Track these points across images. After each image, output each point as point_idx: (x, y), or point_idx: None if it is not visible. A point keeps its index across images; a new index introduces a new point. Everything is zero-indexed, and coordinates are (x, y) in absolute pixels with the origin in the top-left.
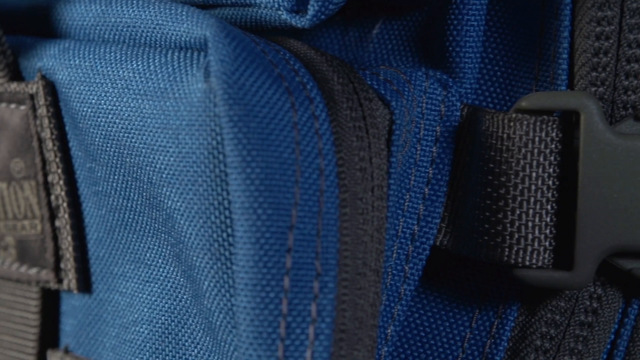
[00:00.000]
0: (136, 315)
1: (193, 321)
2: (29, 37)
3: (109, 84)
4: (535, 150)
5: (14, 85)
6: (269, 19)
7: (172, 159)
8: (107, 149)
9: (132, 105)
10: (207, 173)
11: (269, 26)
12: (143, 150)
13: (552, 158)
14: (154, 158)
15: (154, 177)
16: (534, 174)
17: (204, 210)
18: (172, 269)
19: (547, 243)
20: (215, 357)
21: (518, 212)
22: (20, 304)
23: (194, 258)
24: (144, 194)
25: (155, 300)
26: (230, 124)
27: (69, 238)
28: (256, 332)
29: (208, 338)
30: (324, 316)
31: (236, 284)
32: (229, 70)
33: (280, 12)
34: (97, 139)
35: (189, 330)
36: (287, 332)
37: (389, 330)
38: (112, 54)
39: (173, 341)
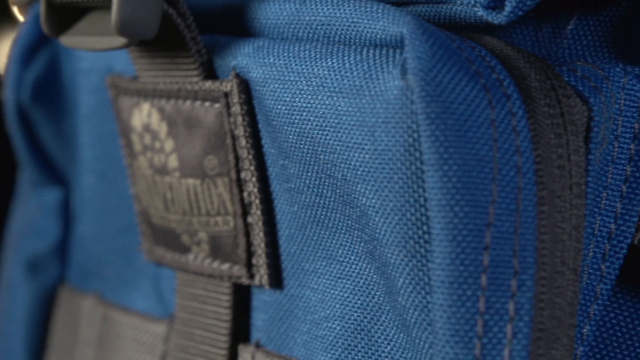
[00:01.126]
0: (328, 312)
1: (386, 318)
2: (223, 36)
3: (304, 82)
4: None
5: (208, 84)
6: (463, 15)
7: (367, 156)
8: (301, 146)
9: (327, 102)
10: (403, 170)
11: (462, 23)
12: (338, 147)
13: None
14: (348, 155)
15: (349, 175)
16: None
17: (400, 208)
18: (364, 265)
19: None
20: (409, 354)
21: None
22: (212, 299)
23: (389, 255)
24: (338, 191)
25: (348, 297)
26: (427, 121)
27: (261, 234)
28: (453, 329)
29: (402, 335)
30: (522, 315)
31: (432, 282)
32: (426, 67)
33: (476, 9)
34: (290, 136)
35: (381, 327)
36: (484, 330)
37: (585, 330)
38: (306, 52)
39: (365, 337)
